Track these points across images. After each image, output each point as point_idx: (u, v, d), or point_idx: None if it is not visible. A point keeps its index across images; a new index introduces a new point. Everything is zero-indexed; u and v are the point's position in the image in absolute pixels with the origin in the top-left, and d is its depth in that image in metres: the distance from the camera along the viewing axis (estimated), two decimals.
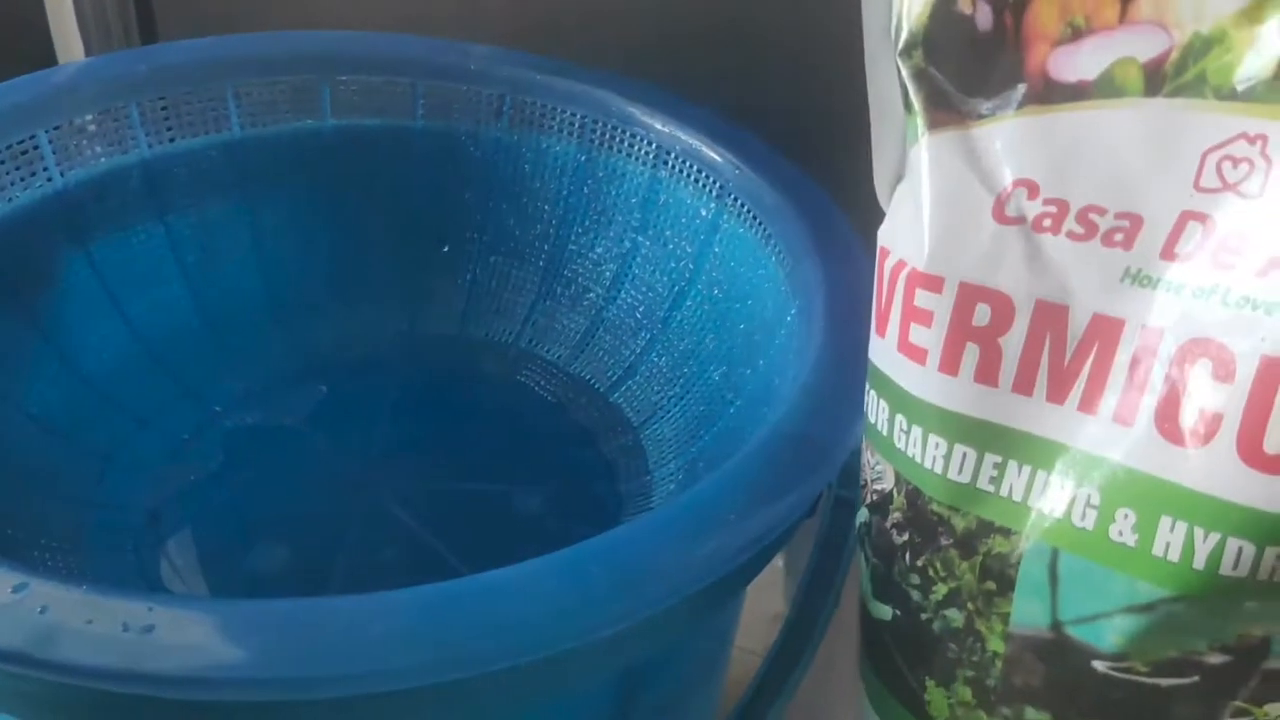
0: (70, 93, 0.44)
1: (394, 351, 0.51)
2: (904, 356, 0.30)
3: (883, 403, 0.31)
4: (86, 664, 0.24)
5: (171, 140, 0.47)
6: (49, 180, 0.44)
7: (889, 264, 0.31)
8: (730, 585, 0.31)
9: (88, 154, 0.45)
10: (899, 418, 0.30)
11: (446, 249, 0.52)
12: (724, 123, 0.47)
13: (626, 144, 0.49)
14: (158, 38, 0.73)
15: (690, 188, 0.47)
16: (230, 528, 0.43)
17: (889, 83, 0.31)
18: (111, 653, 0.24)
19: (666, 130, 0.47)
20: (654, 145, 0.48)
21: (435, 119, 0.50)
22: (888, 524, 0.32)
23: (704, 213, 0.47)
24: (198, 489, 0.44)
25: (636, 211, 0.49)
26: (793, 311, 0.40)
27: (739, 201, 0.45)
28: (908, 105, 0.30)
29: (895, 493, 0.31)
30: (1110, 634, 0.28)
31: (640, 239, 0.49)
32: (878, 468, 0.32)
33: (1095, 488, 0.27)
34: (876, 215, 0.40)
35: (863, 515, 0.33)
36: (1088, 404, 0.27)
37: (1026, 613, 0.29)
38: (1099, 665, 0.28)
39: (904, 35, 0.29)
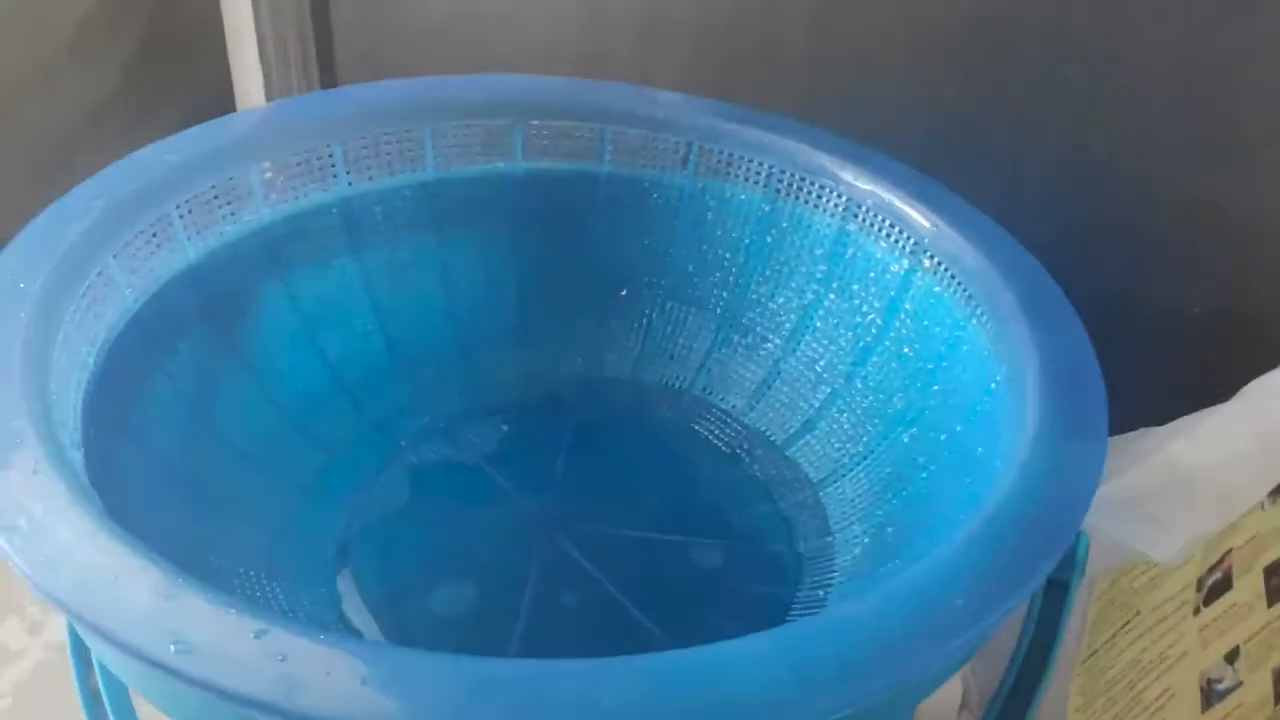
0: (281, 131, 0.46)
1: (570, 392, 0.52)
2: None
3: None
4: (328, 717, 0.25)
5: (370, 179, 0.48)
6: (256, 216, 0.45)
7: None
8: (946, 673, 0.30)
9: (292, 190, 0.46)
10: None
11: (624, 292, 0.52)
12: (920, 176, 0.46)
13: (814, 195, 0.48)
14: (336, 69, 0.76)
15: (882, 242, 0.46)
16: (416, 564, 0.44)
17: None
18: (352, 707, 0.25)
19: (857, 182, 0.47)
20: (843, 197, 0.47)
21: (621, 164, 0.51)
22: None
23: (895, 268, 0.46)
24: (385, 523, 0.45)
25: (821, 263, 0.49)
26: (998, 378, 0.39)
27: (935, 259, 0.44)
28: None
29: None
30: None
31: (824, 291, 0.49)
32: None
33: None
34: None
35: None
36: None
37: None
38: None
39: None
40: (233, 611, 0.26)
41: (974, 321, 0.41)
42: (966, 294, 0.42)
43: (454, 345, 0.50)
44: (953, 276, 0.43)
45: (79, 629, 0.29)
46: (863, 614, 0.28)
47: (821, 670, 0.27)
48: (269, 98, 0.76)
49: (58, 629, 0.55)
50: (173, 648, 0.26)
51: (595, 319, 0.52)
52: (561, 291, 0.52)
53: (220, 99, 0.78)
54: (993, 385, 0.39)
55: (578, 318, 0.52)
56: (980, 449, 0.38)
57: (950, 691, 0.48)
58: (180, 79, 0.78)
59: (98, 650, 0.33)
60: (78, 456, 0.33)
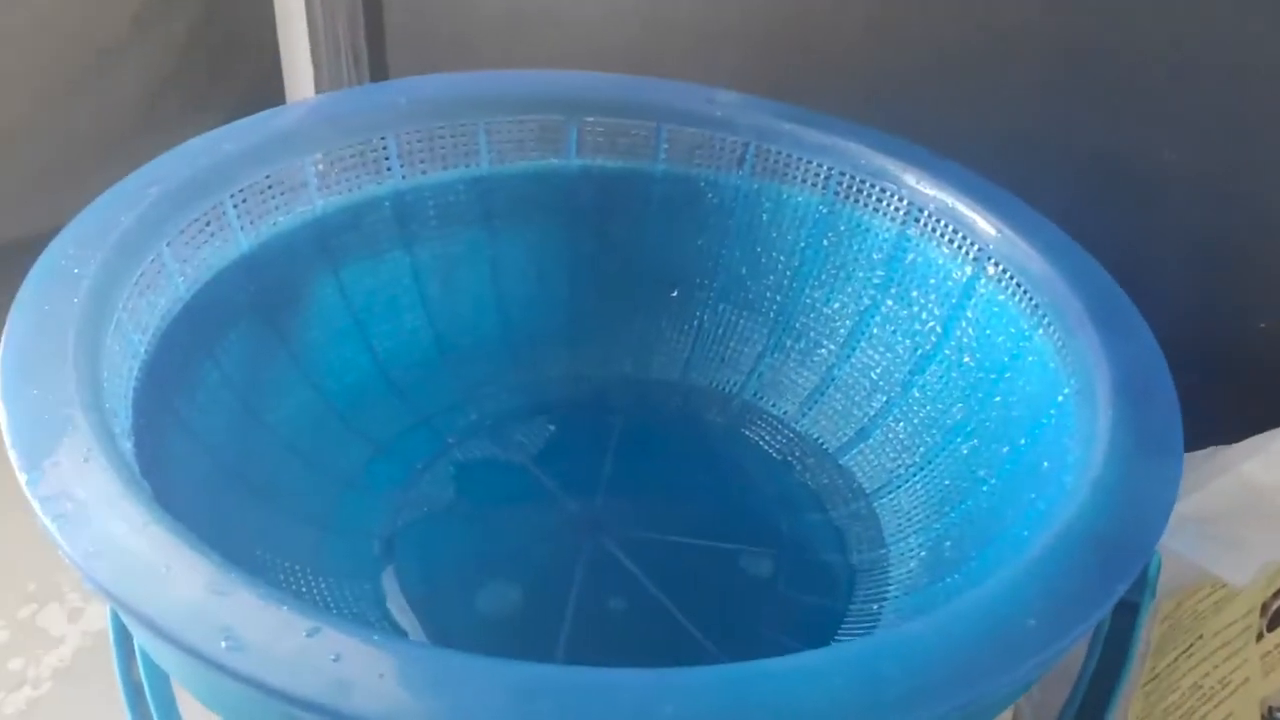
0: (336, 122, 0.45)
1: (618, 394, 0.51)
2: None
3: None
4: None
5: (423, 172, 0.47)
6: (310, 206, 0.45)
7: None
8: (1013, 696, 0.29)
9: (345, 182, 0.46)
10: None
11: (675, 293, 0.52)
12: (984, 182, 0.45)
13: (874, 198, 0.47)
14: (387, 62, 0.75)
15: (944, 248, 0.45)
16: (461, 563, 0.43)
17: None
18: (405, 710, 0.24)
19: (920, 186, 0.46)
20: (905, 201, 0.46)
21: (676, 163, 0.50)
22: None
23: (957, 275, 0.45)
24: (431, 520, 0.44)
25: (880, 268, 0.47)
26: (1066, 390, 0.37)
27: (1000, 267, 0.43)
28: None
29: None
30: None
31: (881, 297, 0.48)
32: None
33: None
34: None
35: None
36: None
37: None
38: None
39: None
40: (285, 609, 0.26)
41: (1040, 331, 0.40)
42: (1032, 303, 0.41)
43: (503, 343, 0.50)
44: (1018, 285, 0.42)
45: (128, 621, 0.28)
46: (931, 632, 0.27)
47: (888, 689, 0.26)
48: (319, 88, 0.75)
49: (97, 616, 0.55)
50: (224, 644, 0.25)
51: (645, 319, 0.52)
52: (612, 291, 0.51)
53: (270, 89, 0.78)
54: (1060, 398, 0.38)
55: (628, 318, 0.52)
56: (1046, 463, 0.37)
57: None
58: (231, 69, 0.78)
59: (145, 643, 0.32)
60: (128, 445, 0.33)
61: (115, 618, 0.37)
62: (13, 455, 0.30)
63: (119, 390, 0.35)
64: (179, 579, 0.26)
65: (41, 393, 0.31)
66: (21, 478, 0.29)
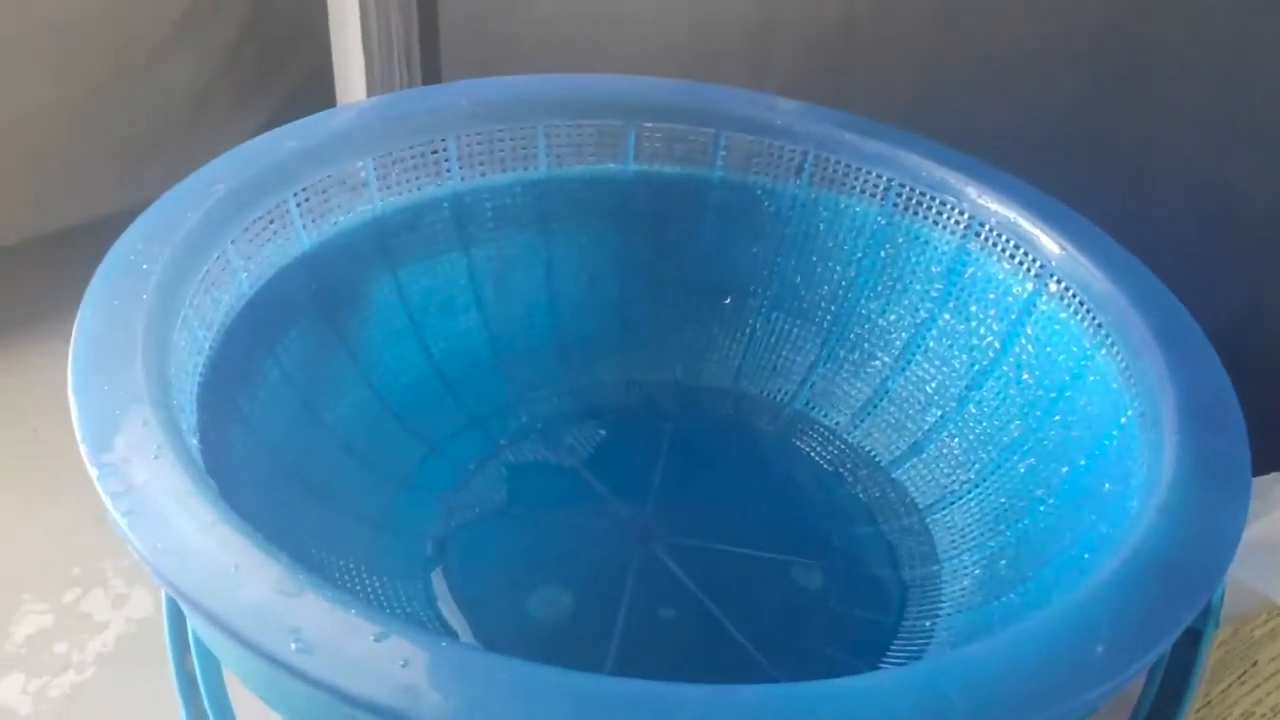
0: (397, 122, 0.46)
1: (669, 399, 0.51)
2: None
3: None
4: None
5: (482, 175, 0.48)
6: (370, 206, 0.45)
7: None
8: (1079, 717, 0.29)
9: (406, 183, 0.46)
10: None
11: (728, 301, 0.51)
12: (1047, 198, 0.45)
13: (934, 211, 0.47)
14: (440, 62, 0.76)
15: (1004, 263, 0.45)
16: (512, 566, 0.44)
17: None
18: (473, 718, 0.24)
19: (981, 200, 0.45)
20: (966, 215, 0.46)
21: (733, 171, 0.50)
22: None
23: (1017, 291, 0.44)
24: (483, 521, 0.45)
25: (938, 281, 0.47)
26: (1129, 413, 0.37)
27: (1062, 284, 0.42)
28: None
29: None
30: None
31: (939, 310, 0.47)
32: None
33: None
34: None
35: None
36: None
37: None
38: None
39: None
40: (353, 612, 0.26)
41: (1103, 351, 0.40)
42: (1095, 322, 0.40)
43: (555, 346, 0.50)
44: (1081, 303, 0.41)
45: (194, 618, 0.29)
46: (997, 656, 0.27)
47: (952, 712, 0.25)
48: (370, 86, 0.76)
49: (141, 603, 0.56)
50: (293, 645, 0.25)
51: (698, 326, 0.52)
52: (665, 296, 0.51)
53: (319, 88, 0.79)
54: (1123, 419, 0.37)
55: (680, 324, 0.51)
56: (1108, 485, 0.36)
57: None
58: (280, 67, 0.79)
59: (211, 640, 0.33)
60: (194, 442, 0.33)
61: (171, 607, 0.37)
62: (84, 450, 0.30)
63: (185, 386, 0.35)
64: (247, 578, 0.27)
65: (112, 388, 0.32)
66: (92, 472, 0.29)
